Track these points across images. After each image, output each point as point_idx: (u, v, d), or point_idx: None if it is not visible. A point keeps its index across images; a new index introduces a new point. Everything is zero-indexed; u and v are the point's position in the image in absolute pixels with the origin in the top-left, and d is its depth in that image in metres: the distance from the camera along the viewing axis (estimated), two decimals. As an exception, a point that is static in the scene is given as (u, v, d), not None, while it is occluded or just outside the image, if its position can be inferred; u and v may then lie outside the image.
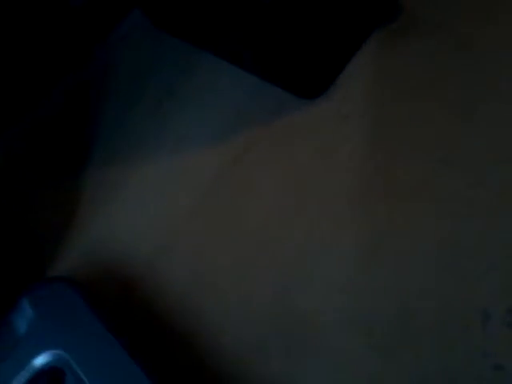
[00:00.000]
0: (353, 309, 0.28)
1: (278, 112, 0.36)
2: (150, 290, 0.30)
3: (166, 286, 0.30)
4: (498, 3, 0.35)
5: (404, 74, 0.34)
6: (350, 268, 0.29)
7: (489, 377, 0.25)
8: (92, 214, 0.35)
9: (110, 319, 0.25)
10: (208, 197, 0.34)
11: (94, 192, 0.36)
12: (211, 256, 0.31)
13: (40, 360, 0.24)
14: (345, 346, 0.27)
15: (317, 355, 0.27)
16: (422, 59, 0.35)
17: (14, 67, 0.39)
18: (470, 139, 0.31)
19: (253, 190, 0.34)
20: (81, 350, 0.24)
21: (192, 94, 0.39)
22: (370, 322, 0.27)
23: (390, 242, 0.29)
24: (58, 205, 0.36)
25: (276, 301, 0.29)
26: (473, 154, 0.30)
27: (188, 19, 0.39)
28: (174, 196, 0.34)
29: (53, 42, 0.41)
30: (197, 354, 0.28)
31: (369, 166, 0.32)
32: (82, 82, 0.42)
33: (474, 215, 0.29)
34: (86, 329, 0.24)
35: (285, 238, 0.31)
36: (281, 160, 0.34)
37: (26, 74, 0.40)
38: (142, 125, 0.38)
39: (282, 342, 0.28)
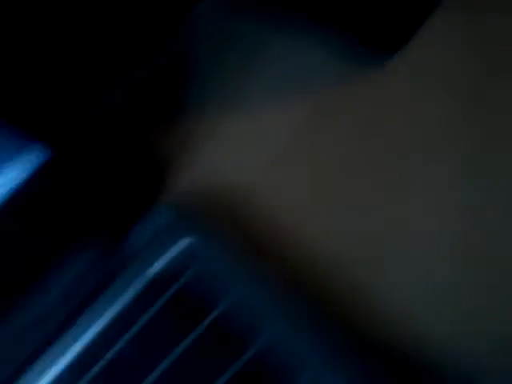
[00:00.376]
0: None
1: (350, 74, 0.38)
2: (250, 214, 0.33)
3: (264, 210, 0.33)
4: None
5: (482, 36, 0.36)
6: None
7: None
8: (191, 152, 0.38)
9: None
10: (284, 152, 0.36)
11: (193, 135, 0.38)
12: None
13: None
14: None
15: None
16: (503, 19, 0.35)
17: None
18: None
19: (327, 145, 0.36)
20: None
21: (266, 65, 0.41)
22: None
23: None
24: (169, 139, 0.38)
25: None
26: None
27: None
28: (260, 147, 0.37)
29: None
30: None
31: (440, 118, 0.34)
32: (175, 48, 0.45)
33: None
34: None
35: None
36: (352, 116, 0.36)
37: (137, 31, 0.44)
38: (226, 87, 0.41)
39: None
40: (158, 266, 0.26)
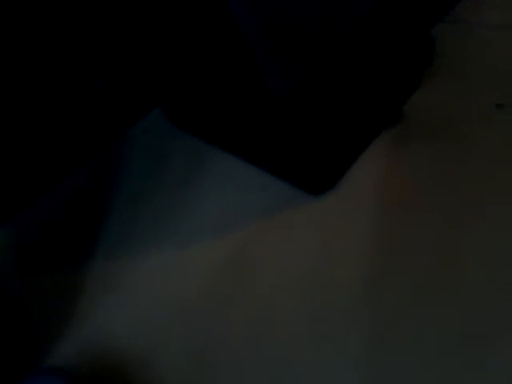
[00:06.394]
0: None
1: (284, 206, 0.37)
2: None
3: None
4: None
5: (406, 176, 0.36)
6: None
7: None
8: (93, 304, 0.34)
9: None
10: (208, 292, 0.34)
11: (96, 284, 0.36)
12: (207, 356, 0.31)
13: None
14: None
15: None
16: (422, 160, 0.36)
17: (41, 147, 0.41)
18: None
19: (253, 283, 0.34)
20: None
21: (203, 185, 0.41)
22: None
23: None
24: (60, 293, 0.35)
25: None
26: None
27: (204, 119, 0.42)
28: (174, 290, 0.34)
29: (75, 123, 0.42)
30: None
31: (376, 262, 0.34)
32: (102, 166, 0.45)
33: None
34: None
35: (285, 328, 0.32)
36: (285, 251, 0.35)
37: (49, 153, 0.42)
38: (153, 213, 0.40)
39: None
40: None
